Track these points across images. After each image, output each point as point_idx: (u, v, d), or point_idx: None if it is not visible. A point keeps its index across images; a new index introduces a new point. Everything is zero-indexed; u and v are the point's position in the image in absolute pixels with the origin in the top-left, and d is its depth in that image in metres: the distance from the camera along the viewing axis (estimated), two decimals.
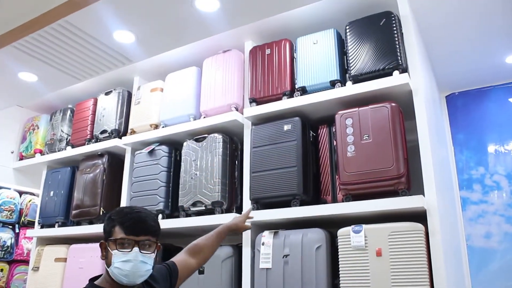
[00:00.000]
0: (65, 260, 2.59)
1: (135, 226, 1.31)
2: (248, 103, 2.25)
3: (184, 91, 2.49)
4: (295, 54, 2.20)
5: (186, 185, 2.25)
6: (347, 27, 2.07)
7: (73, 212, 2.67)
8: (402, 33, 1.97)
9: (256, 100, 2.21)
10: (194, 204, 2.20)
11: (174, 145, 2.46)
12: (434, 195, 1.69)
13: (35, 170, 3.23)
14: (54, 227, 2.80)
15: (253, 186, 2.05)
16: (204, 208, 2.18)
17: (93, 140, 2.81)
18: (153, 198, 2.34)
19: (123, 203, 2.52)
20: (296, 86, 2.12)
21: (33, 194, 3.41)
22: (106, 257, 1.31)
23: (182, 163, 2.32)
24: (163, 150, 2.42)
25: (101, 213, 2.55)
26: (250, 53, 2.32)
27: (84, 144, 2.83)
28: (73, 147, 2.90)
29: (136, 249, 1.29)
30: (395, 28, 1.95)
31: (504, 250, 2.59)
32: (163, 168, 2.38)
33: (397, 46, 1.91)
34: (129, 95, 2.82)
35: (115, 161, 2.70)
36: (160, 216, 2.30)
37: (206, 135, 2.29)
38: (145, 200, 2.37)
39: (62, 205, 2.79)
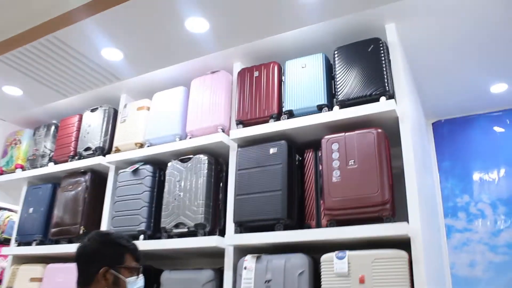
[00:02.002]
0: (41, 280, 2.53)
1: (140, 254, 1.39)
2: (234, 125, 2.26)
3: (171, 110, 2.49)
4: (283, 77, 2.22)
5: (169, 206, 2.24)
6: (336, 52, 2.10)
7: (52, 230, 2.63)
8: (390, 60, 2.01)
9: (242, 122, 2.22)
10: (176, 226, 2.18)
11: (158, 165, 2.45)
12: (419, 222, 1.70)
13: (15, 186, 3.17)
14: (31, 245, 2.74)
15: (237, 209, 2.04)
16: (186, 230, 2.16)
17: (76, 157, 2.78)
18: (135, 218, 2.31)
19: (105, 222, 2.49)
20: (283, 109, 2.14)
21: (12, 211, 3.34)
22: (116, 284, 1.32)
23: (166, 184, 2.31)
24: (147, 170, 2.40)
25: (81, 232, 2.51)
26: (238, 75, 2.34)
27: (67, 161, 2.80)
28: (55, 163, 2.87)
29: (141, 275, 1.37)
30: (382, 55, 1.98)
31: (489, 279, 2.60)
32: (147, 188, 2.36)
33: (385, 73, 1.95)
34: (115, 112, 2.81)
35: (98, 179, 2.67)
36: (141, 237, 2.28)
37: (191, 156, 2.29)
38: (127, 220, 2.34)
39: (41, 223, 2.74)
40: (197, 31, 2.18)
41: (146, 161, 2.48)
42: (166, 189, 2.29)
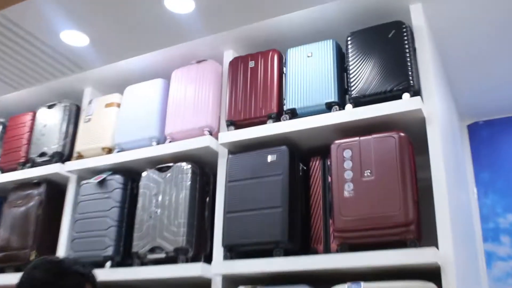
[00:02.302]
0: None
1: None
2: (224, 127, 2.28)
3: (146, 108, 2.51)
4: (284, 69, 2.25)
5: (143, 226, 2.25)
6: (349, 39, 2.12)
7: None
8: (415, 48, 2.04)
9: (234, 123, 2.24)
10: (152, 250, 2.19)
11: (130, 175, 2.46)
12: (451, 248, 1.71)
13: None
14: None
15: (227, 229, 2.06)
16: (164, 255, 2.17)
17: (28, 165, 2.79)
18: (100, 241, 2.32)
19: (62, 246, 2.50)
20: (285, 108, 2.16)
21: None
22: None
23: (139, 198, 2.32)
24: (116, 181, 2.42)
25: (32, 257, 2.51)
26: (230, 65, 2.36)
27: (16, 169, 2.81)
28: (2, 172, 2.87)
29: None
30: (406, 42, 2.01)
31: None
32: (116, 203, 2.38)
33: (409, 64, 1.97)
34: (78, 109, 2.83)
35: (55, 192, 2.68)
36: (108, 263, 2.29)
37: (171, 164, 2.30)
38: (90, 243, 2.35)
39: None
40: (180, 11, 2.19)
41: (115, 170, 2.50)
42: (139, 205, 2.31)
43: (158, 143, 2.43)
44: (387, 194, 1.79)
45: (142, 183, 2.35)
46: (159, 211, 2.24)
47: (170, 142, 2.39)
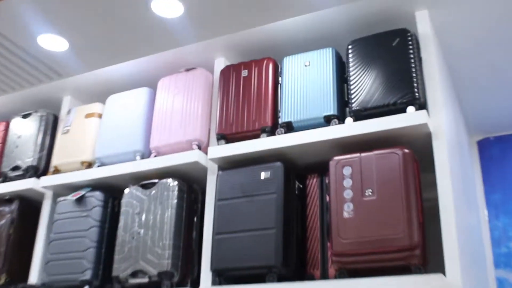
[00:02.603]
0: None
1: None
2: (214, 140, 2.29)
3: (130, 119, 2.52)
4: (280, 79, 2.27)
5: (125, 248, 2.25)
6: (350, 47, 2.15)
7: None
8: (421, 58, 2.06)
9: (225, 137, 2.25)
10: (134, 274, 2.19)
11: (111, 192, 2.47)
12: (459, 275, 1.71)
13: None
14: None
15: (216, 252, 2.06)
16: (147, 280, 2.16)
17: None
18: (78, 264, 2.31)
19: (36, 269, 2.50)
20: (280, 121, 2.18)
21: None
22: None
23: (121, 217, 2.32)
24: (96, 198, 2.42)
25: (2, 281, 2.50)
26: (221, 74, 2.38)
27: None
28: None
29: None
30: (411, 51, 2.03)
31: None
32: (95, 222, 2.38)
33: (414, 74, 1.99)
34: (55, 120, 2.83)
35: (29, 209, 2.68)
36: None
37: (156, 181, 2.31)
38: (66, 266, 2.34)
39: None
40: (167, 16, 2.21)
41: (95, 186, 2.50)
42: (121, 225, 2.31)
43: (142, 158, 2.43)
44: (390, 215, 1.80)
45: (124, 200, 2.35)
46: (142, 231, 2.24)
47: (155, 156, 2.40)
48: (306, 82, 2.18)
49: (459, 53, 2.36)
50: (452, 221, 1.79)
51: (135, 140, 2.47)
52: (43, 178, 2.62)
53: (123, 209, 2.34)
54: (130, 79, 2.66)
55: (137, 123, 2.50)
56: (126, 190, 2.37)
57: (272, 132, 2.17)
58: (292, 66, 2.24)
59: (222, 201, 2.13)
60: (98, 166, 2.52)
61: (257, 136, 2.18)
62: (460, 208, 2.02)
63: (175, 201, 2.24)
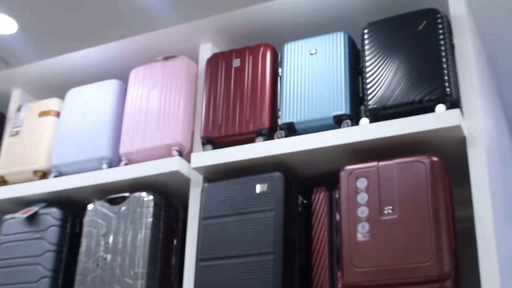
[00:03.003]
0: None
1: None
2: (199, 145, 2.26)
3: (95, 119, 2.49)
4: (280, 70, 2.24)
5: (88, 277, 2.20)
6: (366, 31, 2.11)
7: None
8: (453, 45, 2.02)
9: (212, 141, 2.22)
10: None
11: (71, 208, 2.43)
12: None
13: None
14: None
15: (201, 282, 2.02)
16: None
17: None
18: None
19: None
20: (280, 122, 2.15)
21: None
22: None
23: (83, 239, 2.27)
24: (52, 216, 2.37)
25: None
26: (207, 64, 2.35)
27: None
28: None
29: None
30: (442, 36, 1.99)
31: None
32: (50, 245, 2.33)
33: (445, 65, 1.95)
34: (2, 118, 2.80)
35: None
36: None
37: (127, 194, 2.26)
38: None
39: None
40: None
41: (51, 201, 2.46)
42: (83, 249, 2.26)
43: (110, 166, 2.40)
44: (415, 239, 1.76)
45: (87, 219, 2.30)
46: (109, 257, 2.20)
47: (126, 164, 2.36)
48: (312, 74, 2.15)
49: (501, 40, 2.34)
50: (492, 247, 1.74)
51: (101, 145, 2.43)
52: None
53: (85, 229, 2.29)
54: (95, 69, 2.63)
55: (104, 124, 2.47)
56: (90, 206, 2.32)
57: (270, 135, 2.14)
58: (295, 54, 2.21)
59: (208, 220, 2.09)
60: (55, 176, 2.49)
61: (251, 140, 2.15)
62: (502, 230, 1.96)
63: (150, 219, 2.20)
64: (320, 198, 2.09)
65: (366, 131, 1.98)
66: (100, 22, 2.35)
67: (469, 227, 1.80)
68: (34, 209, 2.42)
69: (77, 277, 2.24)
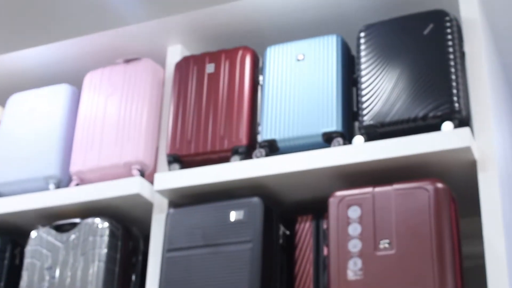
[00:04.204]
0: None
1: None
2: (165, 164, 2.27)
3: (42, 130, 2.49)
4: (261, 78, 2.26)
5: None
6: (363, 35, 2.14)
7: None
8: (464, 53, 2.05)
9: (180, 160, 2.23)
10: None
11: (11, 236, 2.43)
12: None
13: None
14: None
15: None
16: None
17: None
18: None
19: None
20: (259, 139, 2.16)
21: None
22: None
23: (24, 272, 2.27)
24: None
25: None
26: (176, 69, 2.36)
27: None
28: None
29: None
30: (451, 43, 2.02)
31: None
32: None
33: (453, 77, 1.97)
34: None
35: None
36: None
37: (77, 220, 2.26)
38: None
39: None
40: None
41: None
42: (24, 284, 2.25)
43: (58, 187, 2.40)
44: (415, 278, 1.77)
45: (29, 248, 2.29)
46: None
47: (77, 185, 2.36)
48: (298, 84, 2.17)
49: None
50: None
51: (48, 161, 2.43)
52: None
53: (27, 261, 2.28)
54: (44, 71, 2.64)
55: (52, 136, 2.46)
56: (33, 234, 2.31)
57: (247, 154, 2.15)
58: (279, 60, 2.23)
59: (173, 253, 2.09)
60: None
61: (226, 159, 2.17)
62: None
63: (105, 250, 2.20)
64: (305, 228, 2.10)
65: (360, 151, 1.99)
66: (50, 16, 2.35)
67: (478, 265, 1.83)
68: None
69: None
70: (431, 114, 1.95)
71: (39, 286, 2.23)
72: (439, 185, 1.85)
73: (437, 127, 1.93)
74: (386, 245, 1.84)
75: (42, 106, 2.55)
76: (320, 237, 2.07)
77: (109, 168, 2.34)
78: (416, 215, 1.84)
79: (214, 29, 2.40)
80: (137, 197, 2.24)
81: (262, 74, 2.27)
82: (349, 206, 1.91)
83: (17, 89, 2.64)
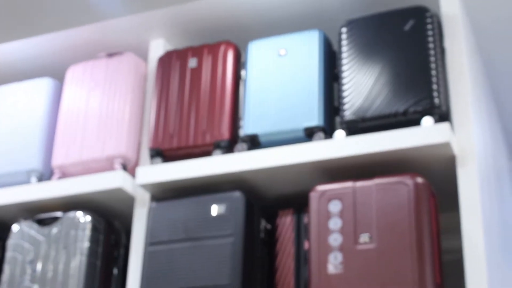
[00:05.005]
0: None
1: None
2: (147, 158, 2.29)
3: (23, 124, 2.50)
4: (243, 72, 2.27)
5: None
6: (344, 30, 2.15)
7: None
8: (444, 49, 2.08)
9: (162, 154, 2.24)
10: None
11: None
12: None
13: None
14: None
15: None
16: None
17: None
18: None
19: None
20: (241, 134, 2.18)
21: None
22: None
23: (6, 266, 2.27)
24: None
25: None
26: (158, 63, 2.37)
27: None
28: None
29: None
30: (431, 39, 2.04)
31: None
32: None
33: (433, 72, 1.99)
34: None
35: None
36: None
37: (59, 214, 2.27)
38: None
39: None
40: None
41: None
42: (5, 278, 2.25)
43: (40, 180, 2.41)
44: (395, 272, 1.79)
45: (11, 242, 2.30)
46: (36, 287, 2.22)
47: (59, 178, 2.36)
48: (280, 79, 2.18)
49: (500, 45, 2.38)
50: (484, 283, 1.76)
51: (30, 155, 2.43)
52: None
53: (9, 254, 2.28)
54: (25, 65, 2.64)
55: (34, 130, 2.47)
56: (15, 227, 2.31)
57: (229, 148, 2.17)
58: (261, 54, 2.24)
59: (155, 246, 2.10)
60: None
61: (208, 153, 2.18)
62: (495, 263, 2.01)
63: (87, 244, 2.20)
64: (286, 222, 2.11)
65: (341, 146, 2.00)
66: (32, 10, 2.35)
67: (457, 259, 1.85)
68: None
69: None
70: (411, 109, 1.97)
71: (20, 280, 2.23)
72: (419, 180, 1.87)
73: (417, 122, 1.95)
74: (366, 239, 1.86)
75: (24, 100, 2.55)
76: (301, 231, 2.08)
77: (91, 162, 2.34)
78: (396, 209, 1.86)
79: (197, 23, 2.41)
80: (119, 191, 2.25)
81: (244, 68, 2.28)
82: (330, 200, 1.93)
83: None
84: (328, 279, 1.85)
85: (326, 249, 1.88)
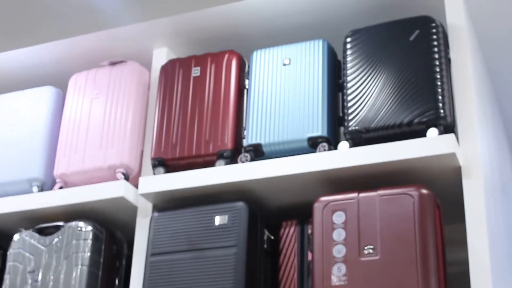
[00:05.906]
0: None
1: None
2: (149, 168, 2.27)
3: (25, 133, 2.49)
4: (247, 82, 2.27)
5: None
6: (349, 40, 2.15)
7: None
8: (450, 59, 2.07)
9: (165, 163, 2.23)
10: None
11: None
12: None
13: None
14: None
15: None
16: None
17: None
18: None
19: None
20: (245, 143, 2.17)
21: None
22: None
23: (6, 276, 2.27)
24: None
25: None
26: (162, 72, 2.37)
27: None
28: None
29: None
30: (436, 49, 2.03)
31: None
32: None
33: (439, 83, 1.99)
34: None
35: None
36: None
37: (60, 224, 2.26)
38: None
39: None
40: None
41: None
42: (6, 287, 2.24)
43: (41, 190, 2.40)
44: (400, 284, 1.78)
45: (11, 251, 2.30)
46: None
47: (61, 188, 2.36)
48: (284, 89, 2.18)
49: (505, 54, 2.37)
50: None
51: (31, 164, 2.43)
52: None
53: (9, 264, 2.28)
54: (28, 73, 2.64)
55: (36, 139, 2.47)
56: (16, 237, 2.31)
57: (233, 158, 2.16)
58: (265, 64, 2.24)
59: (157, 257, 2.09)
60: None
61: (211, 163, 2.17)
62: (501, 276, 2.00)
63: (88, 254, 2.19)
64: (289, 233, 2.11)
65: (345, 156, 2.00)
66: (35, 18, 2.35)
67: (462, 271, 1.83)
68: None
69: None
70: (416, 120, 1.96)
71: None
72: (424, 191, 1.86)
73: (422, 133, 1.94)
74: (370, 251, 1.84)
75: (26, 108, 2.55)
76: (304, 242, 2.07)
77: (93, 171, 2.33)
78: (400, 221, 1.85)
79: (200, 32, 2.41)
80: (121, 200, 2.24)
81: (248, 78, 2.27)
82: (334, 211, 1.92)
83: (1, 91, 2.63)
84: None
85: (330, 260, 1.87)
